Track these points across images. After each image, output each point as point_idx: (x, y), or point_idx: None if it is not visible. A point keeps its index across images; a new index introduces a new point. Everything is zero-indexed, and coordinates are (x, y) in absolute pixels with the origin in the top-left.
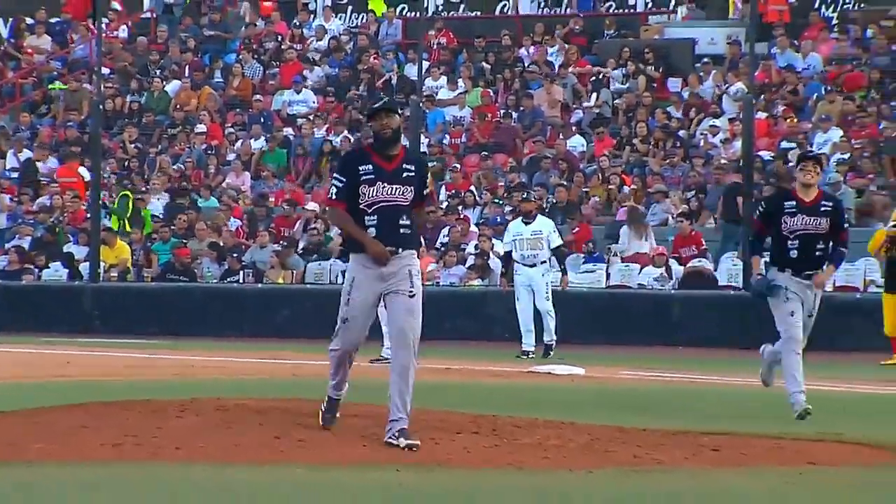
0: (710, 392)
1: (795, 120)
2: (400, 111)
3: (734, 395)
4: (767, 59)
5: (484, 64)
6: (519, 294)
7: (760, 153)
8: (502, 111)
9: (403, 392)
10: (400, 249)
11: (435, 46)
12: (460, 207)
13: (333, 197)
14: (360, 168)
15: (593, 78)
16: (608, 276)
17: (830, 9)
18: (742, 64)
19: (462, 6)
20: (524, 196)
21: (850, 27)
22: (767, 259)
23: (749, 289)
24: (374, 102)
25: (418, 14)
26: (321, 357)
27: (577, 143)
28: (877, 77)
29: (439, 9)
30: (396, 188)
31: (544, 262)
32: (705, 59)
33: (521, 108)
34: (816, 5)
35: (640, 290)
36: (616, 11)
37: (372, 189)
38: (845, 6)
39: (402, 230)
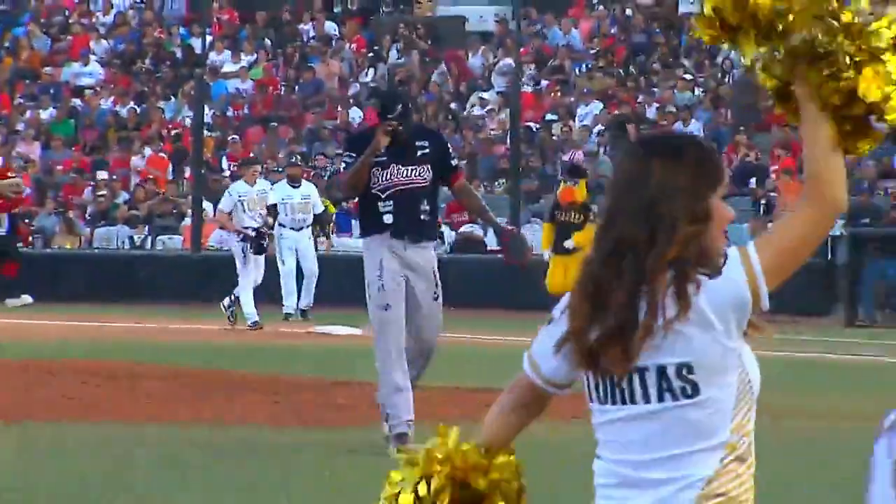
0: (481, 351)
1: (560, 93)
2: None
3: (503, 353)
4: (533, 35)
5: (266, 39)
6: (284, 257)
7: (528, 124)
8: (283, 84)
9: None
10: (423, 239)
11: (217, 21)
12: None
13: (342, 170)
14: None
15: (370, 53)
16: (328, 243)
17: None
18: (509, 40)
19: None
20: (291, 160)
21: (611, 6)
22: None
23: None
24: (386, 98)
25: None
26: (110, 318)
27: (355, 114)
28: (634, 53)
29: None
30: (412, 169)
31: (310, 225)
32: (474, 36)
33: (302, 81)
34: None
35: None
36: None
37: (385, 172)
38: None
39: (422, 217)
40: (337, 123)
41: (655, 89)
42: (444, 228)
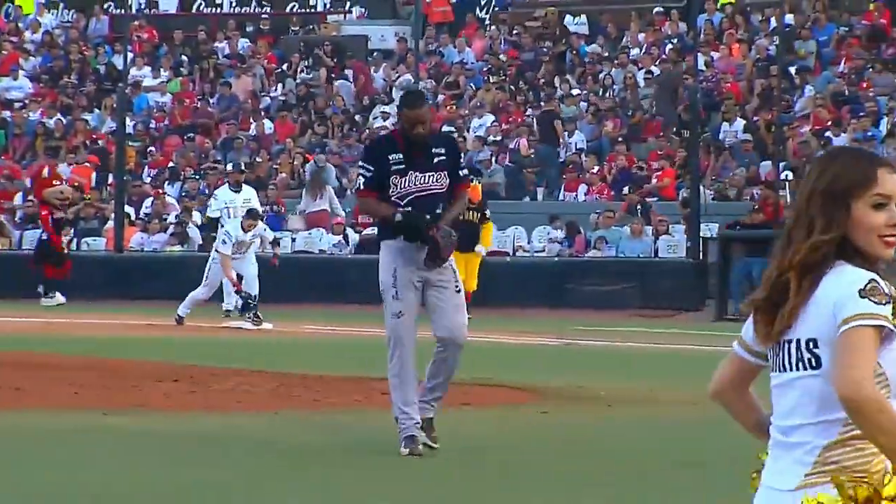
0: (380, 343)
1: (455, 107)
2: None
3: None
4: (431, 53)
5: (182, 56)
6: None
7: None
8: (200, 98)
9: (443, 388)
10: (455, 235)
11: (138, 40)
12: (166, 183)
13: (362, 187)
14: (390, 157)
15: (280, 69)
16: (293, 241)
17: (484, 10)
18: (409, 57)
19: (160, 3)
20: (234, 166)
21: (502, 27)
22: None
23: None
24: (409, 93)
25: (123, 10)
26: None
27: (266, 126)
28: (523, 70)
29: (142, 6)
30: (430, 175)
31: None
32: (377, 54)
33: (217, 95)
34: (473, 7)
35: (321, 255)
36: (299, 10)
37: (403, 180)
38: (496, 8)
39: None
40: (249, 134)
41: (542, 103)
42: (349, 230)
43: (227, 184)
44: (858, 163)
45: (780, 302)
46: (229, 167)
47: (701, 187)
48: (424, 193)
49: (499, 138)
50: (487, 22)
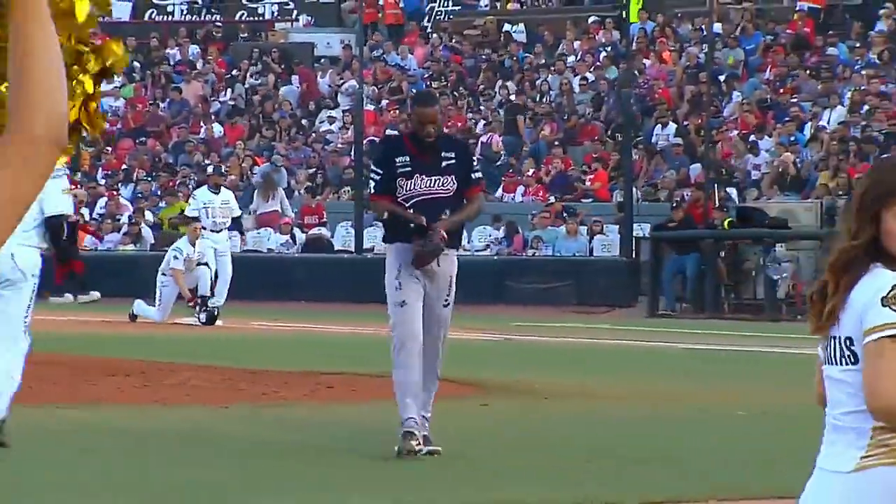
0: (326, 339)
1: (398, 111)
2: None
3: (346, 341)
4: (375, 59)
5: (134, 63)
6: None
7: (370, 139)
8: (151, 102)
9: (427, 403)
10: (446, 248)
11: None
12: (120, 184)
13: (373, 191)
14: (397, 160)
15: (229, 75)
16: (244, 241)
17: (426, 18)
18: (354, 63)
19: (113, 11)
20: (214, 169)
21: (443, 34)
22: None
23: None
24: (420, 93)
25: None
26: None
27: (216, 130)
28: (464, 76)
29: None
30: (436, 180)
31: (229, 228)
32: (323, 60)
33: (168, 100)
34: (421, 17)
35: (270, 254)
36: (248, 18)
37: (409, 182)
38: (438, 17)
39: None
40: (199, 137)
41: (482, 108)
42: (296, 230)
43: (206, 185)
44: (891, 174)
45: (825, 298)
46: (210, 170)
47: (634, 189)
48: (429, 197)
49: None
50: (429, 30)
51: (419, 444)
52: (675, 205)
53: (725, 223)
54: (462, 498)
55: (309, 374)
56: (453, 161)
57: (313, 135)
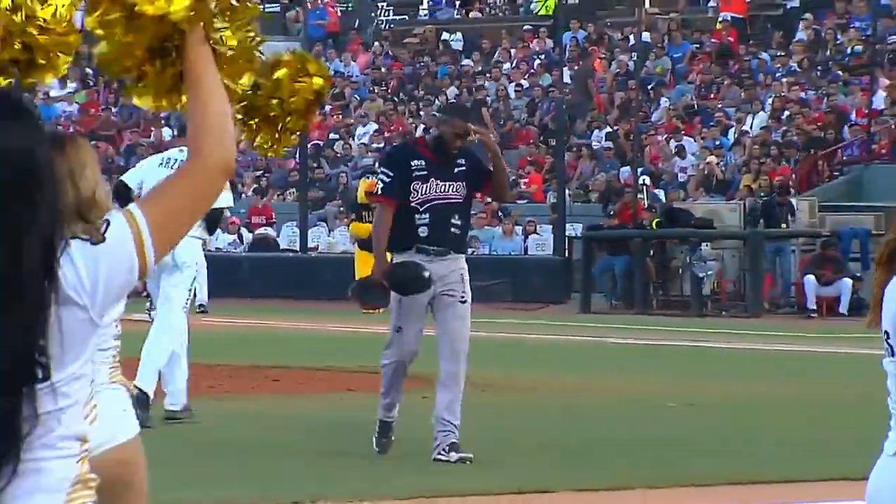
0: (271, 334)
1: (341, 116)
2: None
3: (293, 336)
4: None
5: (87, 69)
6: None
7: (314, 142)
8: (104, 107)
9: (453, 403)
10: (451, 252)
11: None
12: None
13: (380, 192)
14: (413, 163)
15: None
16: None
17: (368, 28)
18: None
19: None
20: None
21: (384, 42)
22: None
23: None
24: (454, 104)
25: None
26: None
27: (166, 134)
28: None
29: None
30: (450, 185)
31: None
32: None
33: (120, 105)
34: (356, 24)
35: (217, 253)
36: None
37: (425, 186)
38: (380, 26)
39: (453, 230)
40: (150, 140)
41: (422, 113)
42: (243, 230)
43: None
44: None
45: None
46: None
47: (566, 191)
48: (443, 202)
49: (381, 145)
50: (371, 38)
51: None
52: (612, 213)
53: (654, 223)
54: (406, 488)
55: (255, 368)
56: (464, 167)
57: None
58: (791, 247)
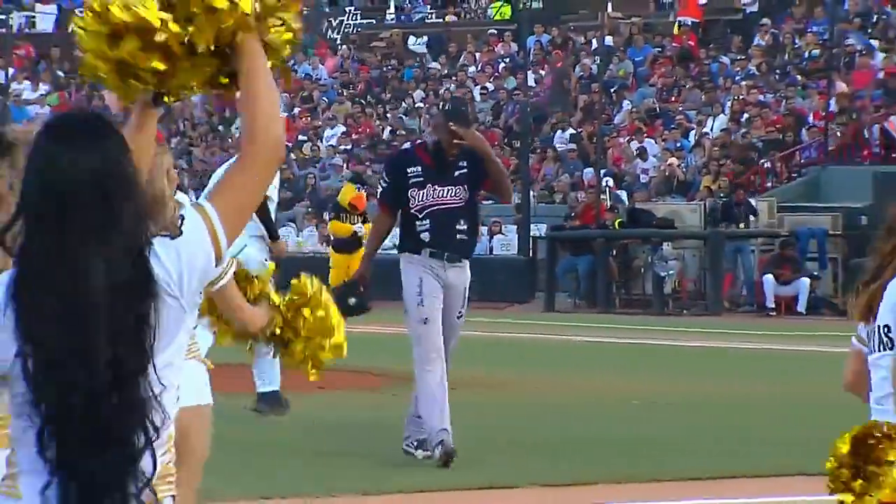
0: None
1: (309, 118)
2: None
3: None
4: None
5: (59, 72)
6: None
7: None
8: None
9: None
10: (461, 259)
11: (17, 57)
12: None
13: (378, 197)
14: (409, 170)
15: None
16: None
17: (335, 31)
18: None
19: (38, 23)
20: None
21: (351, 46)
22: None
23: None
24: (454, 107)
25: (4, 29)
26: None
27: None
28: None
29: (22, 25)
30: (448, 189)
31: None
32: None
33: (92, 107)
34: (324, 28)
35: None
36: None
37: (421, 192)
38: (346, 30)
39: (458, 236)
40: None
41: (388, 115)
42: None
43: None
44: None
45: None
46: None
47: (531, 192)
48: (442, 207)
49: (349, 147)
50: (339, 42)
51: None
52: (573, 214)
53: (616, 223)
54: (364, 485)
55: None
56: (465, 170)
57: (229, 140)
58: (751, 246)
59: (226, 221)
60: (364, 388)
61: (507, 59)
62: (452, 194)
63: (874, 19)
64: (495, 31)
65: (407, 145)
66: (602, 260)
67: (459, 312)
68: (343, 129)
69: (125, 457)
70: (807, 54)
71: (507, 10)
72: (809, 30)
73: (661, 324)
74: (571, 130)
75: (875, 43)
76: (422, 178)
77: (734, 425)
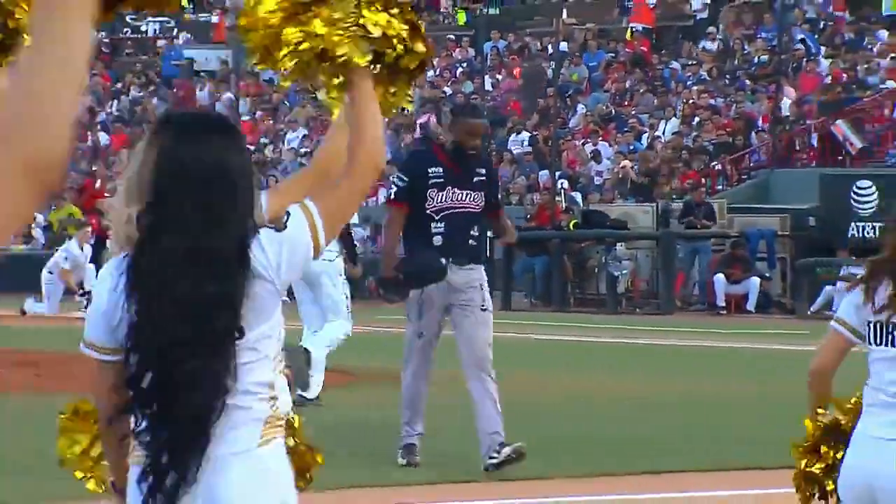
0: None
1: (271, 122)
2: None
3: None
4: (249, 74)
5: None
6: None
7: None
8: None
9: (492, 412)
10: (471, 263)
11: None
12: None
13: (393, 196)
14: (430, 170)
15: (114, 87)
16: None
17: None
18: (231, 77)
19: None
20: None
21: None
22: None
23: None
24: (467, 105)
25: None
26: None
27: (102, 139)
28: None
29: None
30: (468, 194)
31: None
32: (202, 74)
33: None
34: None
35: None
36: (132, 36)
37: (441, 194)
38: None
39: (471, 241)
40: (87, 145)
41: None
42: None
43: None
44: None
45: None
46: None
47: None
48: (460, 210)
49: (310, 150)
50: None
51: (416, 457)
52: (529, 216)
53: (571, 225)
54: (323, 483)
55: None
56: (484, 178)
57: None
58: (709, 247)
59: (326, 220)
60: (337, 386)
61: (465, 64)
62: (471, 199)
63: (821, 25)
64: (453, 37)
65: (419, 145)
66: (557, 260)
67: (483, 306)
68: (304, 132)
69: (206, 398)
70: (756, 59)
71: (461, 17)
72: (759, 35)
73: (615, 322)
74: (527, 134)
75: (822, 49)
76: (442, 180)
77: (685, 422)
